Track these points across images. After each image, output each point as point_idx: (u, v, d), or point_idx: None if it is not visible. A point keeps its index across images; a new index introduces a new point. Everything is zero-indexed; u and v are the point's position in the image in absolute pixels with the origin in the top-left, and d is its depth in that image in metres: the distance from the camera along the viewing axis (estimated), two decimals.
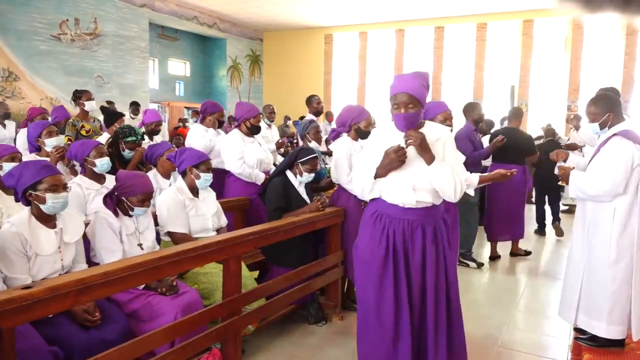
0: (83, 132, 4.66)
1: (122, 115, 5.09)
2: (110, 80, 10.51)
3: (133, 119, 8.21)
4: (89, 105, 4.87)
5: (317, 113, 5.73)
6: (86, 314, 2.20)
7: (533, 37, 12.01)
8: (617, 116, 2.82)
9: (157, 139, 4.92)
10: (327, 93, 14.52)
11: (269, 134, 5.78)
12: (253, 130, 4.16)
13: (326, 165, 4.16)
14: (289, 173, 3.44)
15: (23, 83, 9.02)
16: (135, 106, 8.73)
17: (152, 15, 11.54)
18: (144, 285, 2.51)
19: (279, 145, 5.55)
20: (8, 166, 2.92)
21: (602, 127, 2.85)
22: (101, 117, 5.57)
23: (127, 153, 3.78)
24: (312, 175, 3.45)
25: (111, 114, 5.07)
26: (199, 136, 4.53)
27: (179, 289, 2.56)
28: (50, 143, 3.71)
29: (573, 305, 2.92)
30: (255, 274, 3.38)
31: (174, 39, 13.54)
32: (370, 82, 14.13)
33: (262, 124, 4.65)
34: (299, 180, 3.43)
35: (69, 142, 4.21)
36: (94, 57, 10.24)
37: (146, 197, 2.65)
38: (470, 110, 4.79)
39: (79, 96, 4.95)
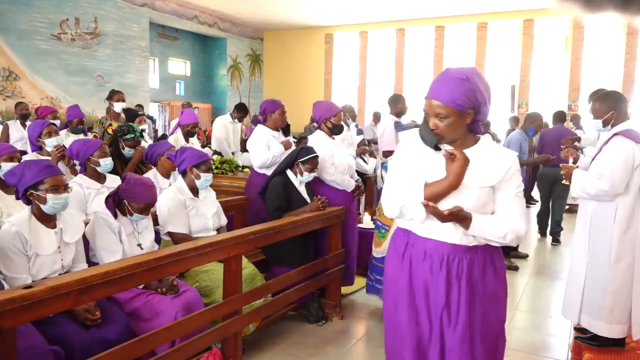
0: (109, 131, 4.61)
1: (140, 115, 5.16)
2: (110, 79, 10.50)
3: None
4: (117, 107, 5.00)
5: (399, 114, 5.45)
6: (87, 313, 2.20)
7: (533, 36, 12.01)
8: (621, 115, 2.81)
9: (193, 141, 4.85)
10: (328, 92, 14.51)
11: (348, 136, 5.25)
12: (334, 130, 3.85)
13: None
14: (289, 172, 3.43)
15: (23, 82, 9.02)
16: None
17: (152, 15, 11.54)
18: (143, 285, 2.51)
19: (359, 152, 5.15)
20: (6, 166, 2.92)
21: (605, 124, 2.85)
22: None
23: (127, 151, 3.78)
24: (313, 174, 3.45)
25: (131, 115, 5.18)
26: (263, 143, 3.91)
27: (179, 289, 2.56)
28: (50, 143, 3.71)
29: (576, 305, 2.91)
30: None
31: (174, 39, 13.53)
32: (371, 81, 14.12)
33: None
34: (299, 180, 3.42)
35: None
36: (94, 56, 10.24)
37: (147, 207, 2.66)
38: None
39: (111, 96, 5.12)
